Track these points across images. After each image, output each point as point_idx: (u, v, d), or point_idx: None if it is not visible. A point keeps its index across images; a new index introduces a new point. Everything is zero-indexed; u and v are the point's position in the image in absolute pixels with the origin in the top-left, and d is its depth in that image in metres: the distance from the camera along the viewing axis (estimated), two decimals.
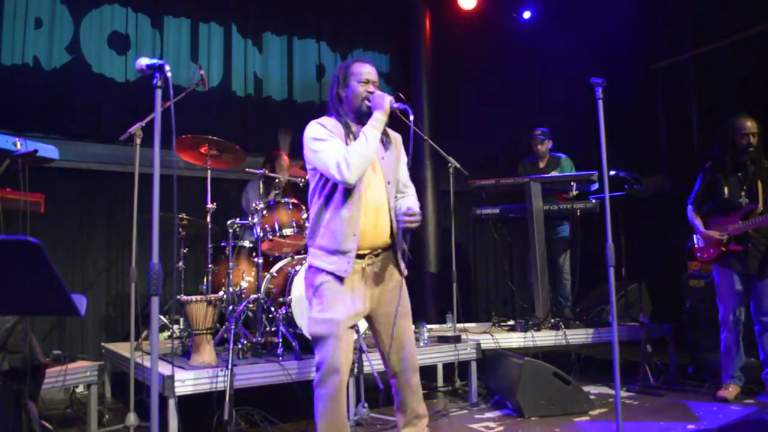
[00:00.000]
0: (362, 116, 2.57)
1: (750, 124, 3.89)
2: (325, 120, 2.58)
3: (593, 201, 4.99)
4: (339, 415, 2.46)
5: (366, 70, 2.59)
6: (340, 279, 2.48)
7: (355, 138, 2.53)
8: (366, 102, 2.57)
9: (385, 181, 2.60)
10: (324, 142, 2.46)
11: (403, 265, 2.64)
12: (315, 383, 2.47)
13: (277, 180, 4.37)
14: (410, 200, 2.69)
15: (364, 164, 2.43)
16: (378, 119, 2.50)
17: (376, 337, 2.66)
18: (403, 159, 2.75)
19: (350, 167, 2.38)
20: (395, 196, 2.68)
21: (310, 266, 2.56)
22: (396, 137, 2.72)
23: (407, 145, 2.59)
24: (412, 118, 2.52)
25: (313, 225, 2.57)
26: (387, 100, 2.52)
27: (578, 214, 5.01)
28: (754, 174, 3.91)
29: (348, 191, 2.47)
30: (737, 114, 3.95)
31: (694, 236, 4.16)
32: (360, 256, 2.52)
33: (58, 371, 3.30)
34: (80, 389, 3.96)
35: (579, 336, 4.55)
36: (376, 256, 2.57)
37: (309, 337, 2.50)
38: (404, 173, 2.76)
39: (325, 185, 2.52)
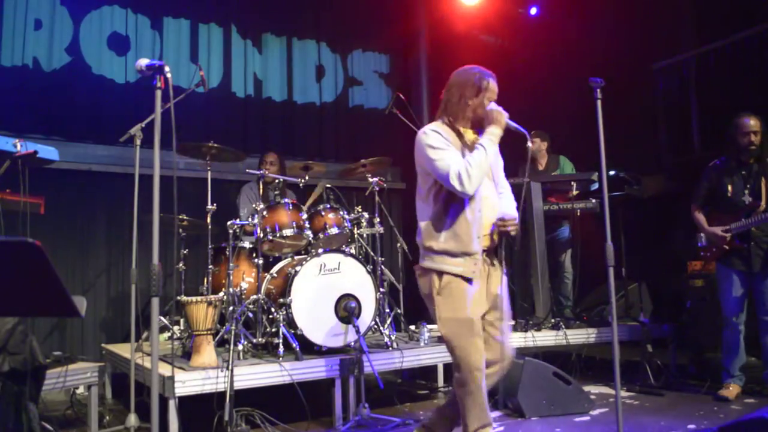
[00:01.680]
0: (476, 125, 2.66)
1: (752, 122, 3.90)
2: (438, 126, 2.63)
3: (593, 201, 4.99)
4: (484, 408, 2.50)
5: (496, 89, 2.66)
6: (468, 280, 2.53)
7: (468, 147, 2.60)
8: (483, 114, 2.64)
9: (494, 184, 2.71)
10: (443, 151, 2.53)
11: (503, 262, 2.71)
12: (457, 383, 2.52)
13: (276, 180, 4.37)
14: (507, 201, 2.76)
15: (481, 176, 2.52)
16: (496, 134, 2.60)
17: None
18: (500, 161, 2.84)
19: (471, 179, 2.47)
20: None
21: (428, 269, 2.58)
22: None
23: (523, 166, 2.71)
24: (529, 144, 2.61)
25: (429, 228, 2.60)
26: (504, 117, 2.62)
27: (578, 214, 5.01)
28: (757, 172, 3.91)
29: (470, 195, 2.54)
30: (741, 112, 3.96)
31: (700, 235, 4.15)
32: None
33: (59, 372, 3.29)
34: (81, 390, 3.96)
35: (579, 336, 4.54)
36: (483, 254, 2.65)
37: (444, 338, 2.54)
38: (502, 174, 2.86)
39: (441, 188, 2.57)
